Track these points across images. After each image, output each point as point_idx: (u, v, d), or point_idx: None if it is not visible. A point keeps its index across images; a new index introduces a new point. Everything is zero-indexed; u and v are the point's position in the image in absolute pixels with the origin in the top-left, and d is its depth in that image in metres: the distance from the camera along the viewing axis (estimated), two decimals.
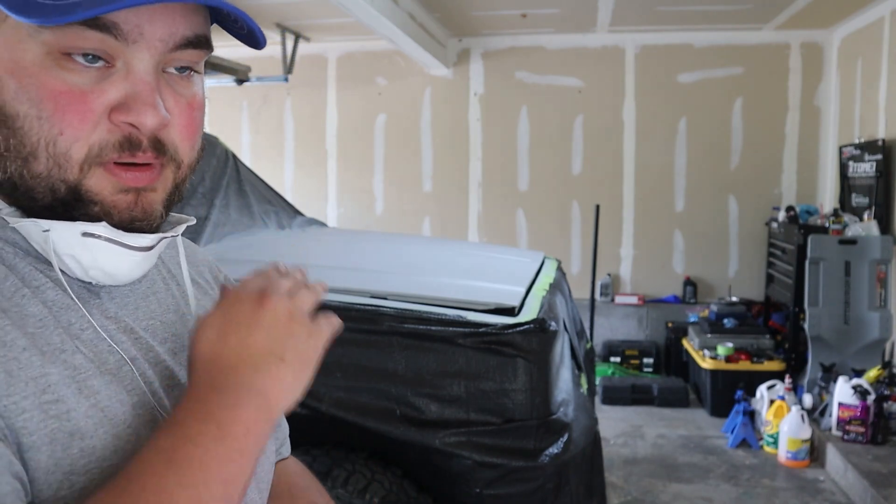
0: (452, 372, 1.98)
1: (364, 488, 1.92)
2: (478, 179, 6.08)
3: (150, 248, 0.62)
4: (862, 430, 3.78)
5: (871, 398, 3.80)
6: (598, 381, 4.67)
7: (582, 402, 2.30)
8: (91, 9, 0.50)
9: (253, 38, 0.64)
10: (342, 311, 2.08)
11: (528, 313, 2.11)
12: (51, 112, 0.54)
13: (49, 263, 0.59)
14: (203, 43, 0.60)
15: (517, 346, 1.98)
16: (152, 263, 0.65)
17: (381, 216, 6.22)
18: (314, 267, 2.56)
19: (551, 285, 2.56)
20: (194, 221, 0.70)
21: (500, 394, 1.96)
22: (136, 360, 0.61)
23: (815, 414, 4.14)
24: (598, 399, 4.51)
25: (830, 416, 3.98)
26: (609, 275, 5.91)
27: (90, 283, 0.62)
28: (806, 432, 3.88)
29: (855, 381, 3.91)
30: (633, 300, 5.82)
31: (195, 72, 0.62)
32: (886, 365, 4.20)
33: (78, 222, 0.57)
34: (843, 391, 3.89)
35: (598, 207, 5.24)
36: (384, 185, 6.22)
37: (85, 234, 0.57)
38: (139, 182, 0.58)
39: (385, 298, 2.16)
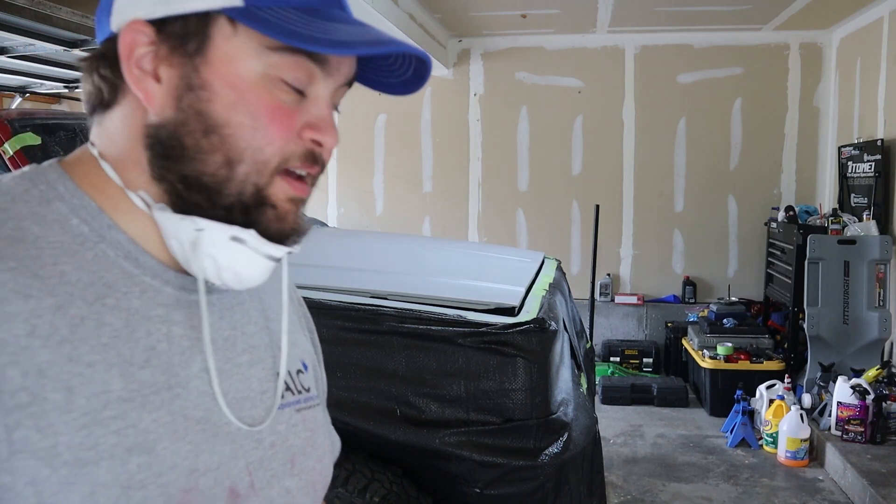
0: (452, 372, 1.98)
1: (364, 488, 1.92)
2: (478, 179, 6.09)
3: (279, 259, 0.66)
4: (861, 429, 3.79)
5: (870, 398, 3.81)
6: (597, 380, 4.68)
7: (582, 401, 2.30)
8: (366, 48, 0.60)
9: (411, 83, 0.71)
10: (342, 311, 2.10)
11: (528, 313, 2.11)
12: (265, 125, 0.61)
13: (146, 268, 0.62)
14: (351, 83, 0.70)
15: (517, 345, 1.98)
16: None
17: (381, 216, 6.23)
18: (314, 267, 2.56)
19: (551, 285, 2.56)
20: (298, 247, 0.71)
21: (499, 393, 1.96)
22: (204, 374, 0.63)
23: (815, 413, 4.14)
24: (597, 399, 4.52)
25: (829, 415, 3.98)
26: (609, 275, 5.92)
27: (185, 291, 0.64)
28: (805, 432, 3.89)
29: (854, 380, 3.92)
30: (633, 300, 5.82)
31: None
32: (885, 364, 4.20)
33: (231, 226, 0.62)
34: (842, 391, 3.89)
35: (597, 207, 5.25)
36: (384, 185, 6.23)
37: (234, 239, 0.62)
38: (305, 192, 0.65)
39: (385, 298, 2.17)
